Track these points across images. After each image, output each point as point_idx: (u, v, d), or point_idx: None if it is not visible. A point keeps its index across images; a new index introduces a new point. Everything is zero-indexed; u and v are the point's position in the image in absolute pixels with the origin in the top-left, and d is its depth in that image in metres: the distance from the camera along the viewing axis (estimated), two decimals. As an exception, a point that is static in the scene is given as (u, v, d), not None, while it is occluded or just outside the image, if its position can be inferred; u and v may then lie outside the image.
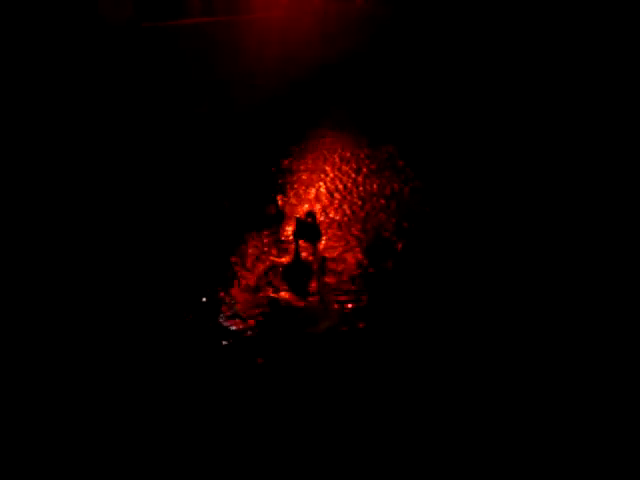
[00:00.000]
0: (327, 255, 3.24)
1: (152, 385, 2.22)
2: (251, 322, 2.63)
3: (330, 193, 4.24)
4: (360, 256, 3.20)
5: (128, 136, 6.29)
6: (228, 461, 1.81)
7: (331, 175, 4.65)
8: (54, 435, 1.96)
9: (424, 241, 3.39)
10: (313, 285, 2.88)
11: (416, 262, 3.14)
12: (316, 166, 4.97)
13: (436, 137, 5.66)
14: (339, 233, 3.53)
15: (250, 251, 3.39)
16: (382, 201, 4.04)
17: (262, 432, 1.92)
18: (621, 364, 2.16)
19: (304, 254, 3.23)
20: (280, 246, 3.43)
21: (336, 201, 4.08)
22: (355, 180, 4.49)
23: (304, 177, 4.68)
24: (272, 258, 3.27)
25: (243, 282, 3.02)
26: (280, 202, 4.06)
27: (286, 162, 5.22)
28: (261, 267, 3.18)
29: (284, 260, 3.16)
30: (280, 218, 3.76)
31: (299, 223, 3.18)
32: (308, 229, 3.15)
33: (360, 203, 4.01)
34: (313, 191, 4.32)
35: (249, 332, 2.54)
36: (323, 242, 3.36)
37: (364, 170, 4.73)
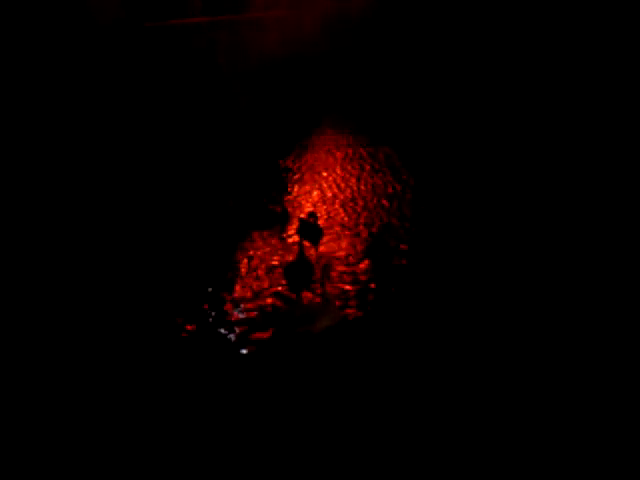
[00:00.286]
0: (329, 253, 3.29)
1: (153, 383, 2.26)
2: (253, 320, 2.67)
3: (333, 194, 4.29)
4: (361, 255, 3.25)
5: (128, 136, 6.31)
6: (227, 459, 1.84)
7: (333, 175, 4.69)
8: (54, 435, 1.99)
9: (423, 241, 3.43)
10: (316, 284, 2.93)
11: (416, 262, 3.18)
12: (320, 165, 5.01)
13: (430, 136, 5.69)
14: (341, 232, 3.58)
15: (255, 250, 3.44)
16: (385, 202, 4.08)
17: (262, 431, 1.96)
18: (621, 363, 2.20)
19: (306, 253, 3.27)
20: (285, 245, 3.48)
21: (339, 200, 4.12)
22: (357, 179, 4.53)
23: (307, 176, 4.72)
24: (276, 257, 3.32)
25: (247, 280, 3.06)
26: (285, 201, 4.10)
27: (290, 161, 5.25)
28: (265, 266, 3.22)
29: (288, 259, 3.20)
30: (285, 218, 3.80)
31: (301, 223, 3.24)
32: (310, 229, 3.20)
33: (362, 203, 4.05)
34: (316, 191, 4.36)
35: (250, 331, 2.59)
36: (325, 241, 3.41)
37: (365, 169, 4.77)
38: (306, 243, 3.21)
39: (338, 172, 4.78)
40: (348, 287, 2.94)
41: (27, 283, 3.18)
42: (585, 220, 3.51)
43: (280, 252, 3.39)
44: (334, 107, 7.59)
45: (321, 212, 3.90)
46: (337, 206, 4.03)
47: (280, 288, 2.97)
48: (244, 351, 2.43)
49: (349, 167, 4.90)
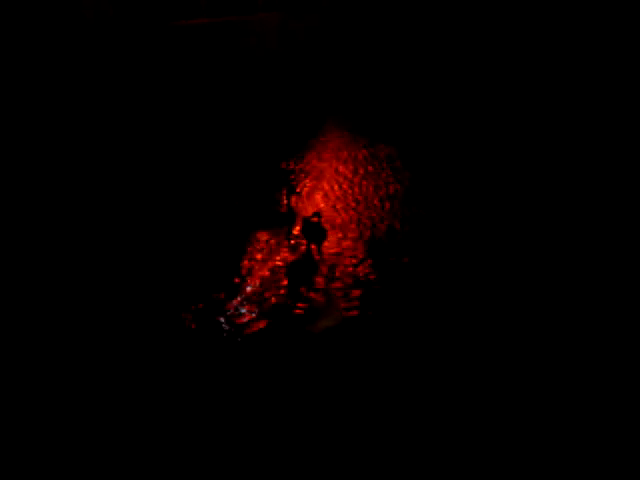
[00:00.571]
0: (331, 252, 3.29)
1: (153, 381, 2.26)
2: (255, 319, 2.67)
3: (337, 195, 4.28)
4: (362, 254, 3.25)
5: (132, 136, 6.32)
6: (227, 459, 1.84)
7: (337, 176, 4.69)
8: (54, 435, 2.00)
9: (424, 241, 3.43)
10: (320, 284, 2.93)
11: (415, 262, 3.18)
12: (324, 165, 5.01)
13: (433, 137, 5.69)
14: (345, 232, 3.58)
15: (259, 250, 3.44)
16: (387, 203, 4.08)
17: (261, 430, 1.96)
18: (621, 363, 2.20)
19: (310, 253, 3.28)
20: (291, 245, 3.48)
21: (343, 201, 4.12)
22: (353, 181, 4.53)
23: (313, 176, 4.72)
24: (282, 257, 3.32)
25: (252, 280, 3.06)
26: (291, 201, 4.10)
27: (294, 161, 5.25)
28: (270, 265, 3.22)
29: (293, 259, 3.21)
30: (292, 218, 3.80)
31: (305, 222, 3.24)
32: (314, 229, 3.20)
33: (366, 203, 4.05)
34: (321, 192, 4.36)
35: (252, 331, 2.59)
36: (329, 241, 3.41)
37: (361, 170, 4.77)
38: (310, 243, 3.21)
39: (342, 172, 4.78)
40: (352, 287, 2.94)
41: (29, 281, 3.18)
42: (585, 220, 3.52)
43: (284, 252, 3.39)
44: (338, 107, 7.59)
45: (325, 212, 3.90)
46: (341, 206, 4.04)
47: (283, 289, 2.97)
48: (245, 350, 2.44)
49: (353, 167, 4.90)
